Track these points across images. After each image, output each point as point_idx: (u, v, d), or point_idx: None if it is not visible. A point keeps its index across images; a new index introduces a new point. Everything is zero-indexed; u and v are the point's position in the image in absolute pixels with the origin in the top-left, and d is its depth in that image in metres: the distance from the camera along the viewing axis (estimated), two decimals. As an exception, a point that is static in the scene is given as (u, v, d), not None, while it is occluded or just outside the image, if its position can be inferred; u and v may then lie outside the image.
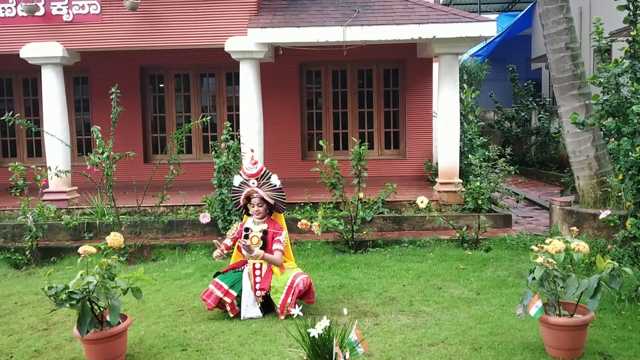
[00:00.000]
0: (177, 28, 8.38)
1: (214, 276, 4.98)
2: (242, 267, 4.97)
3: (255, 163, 5.04)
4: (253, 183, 4.96)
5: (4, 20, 8.44)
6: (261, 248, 4.90)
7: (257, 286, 4.82)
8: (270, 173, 5.05)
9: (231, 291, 4.80)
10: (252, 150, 5.51)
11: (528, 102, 14.68)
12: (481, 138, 9.56)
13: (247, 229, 4.98)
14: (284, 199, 5.09)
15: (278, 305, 4.74)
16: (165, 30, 8.39)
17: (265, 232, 4.95)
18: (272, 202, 5.00)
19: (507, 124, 15.16)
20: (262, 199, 4.96)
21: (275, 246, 4.92)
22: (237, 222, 5.50)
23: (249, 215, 5.09)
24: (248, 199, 5.05)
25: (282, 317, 4.71)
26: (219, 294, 4.79)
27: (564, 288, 3.87)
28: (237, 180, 5.10)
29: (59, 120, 8.52)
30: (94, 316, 3.89)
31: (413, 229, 7.83)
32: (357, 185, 7.18)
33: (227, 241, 5.04)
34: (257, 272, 4.88)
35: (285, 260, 5.08)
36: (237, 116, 9.21)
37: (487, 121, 15.69)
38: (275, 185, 5.00)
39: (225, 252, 5.01)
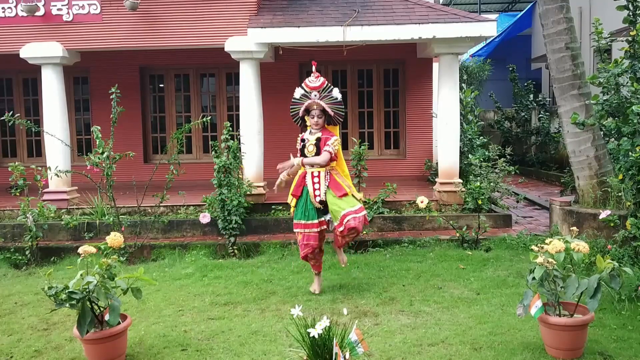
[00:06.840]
0: (177, 28, 8.37)
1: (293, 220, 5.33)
2: (304, 187, 5.27)
3: (318, 76, 5.25)
4: (315, 95, 5.22)
5: (4, 20, 8.43)
6: (315, 154, 5.22)
7: (317, 192, 5.18)
8: (332, 86, 5.29)
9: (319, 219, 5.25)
10: (315, 63, 5.56)
11: (528, 102, 14.67)
12: (481, 138, 9.56)
13: (303, 140, 5.31)
14: (343, 112, 5.34)
15: (339, 217, 5.09)
16: (165, 30, 8.39)
17: (318, 139, 5.23)
18: (332, 113, 5.24)
19: (507, 124, 15.15)
20: (323, 110, 5.22)
21: (324, 149, 5.19)
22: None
23: (304, 127, 5.40)
24: (307, 111, 5.31)
25: (341, 229, 5.09)
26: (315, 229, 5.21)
27: (564, 288, 3.87)
28: (298, 92, 5.30)
29: (59, 120, 8.52)
30: (94, 316, 3.90)
31: (413, 229, 7.82)
32: (357, 185, 7.17)
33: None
34: (316, 180, 5.21)
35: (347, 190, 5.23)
36: (237, 116, 9.20)
37: (487, 121, 15.68)
38: (337, 99, 5.23)
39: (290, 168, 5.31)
